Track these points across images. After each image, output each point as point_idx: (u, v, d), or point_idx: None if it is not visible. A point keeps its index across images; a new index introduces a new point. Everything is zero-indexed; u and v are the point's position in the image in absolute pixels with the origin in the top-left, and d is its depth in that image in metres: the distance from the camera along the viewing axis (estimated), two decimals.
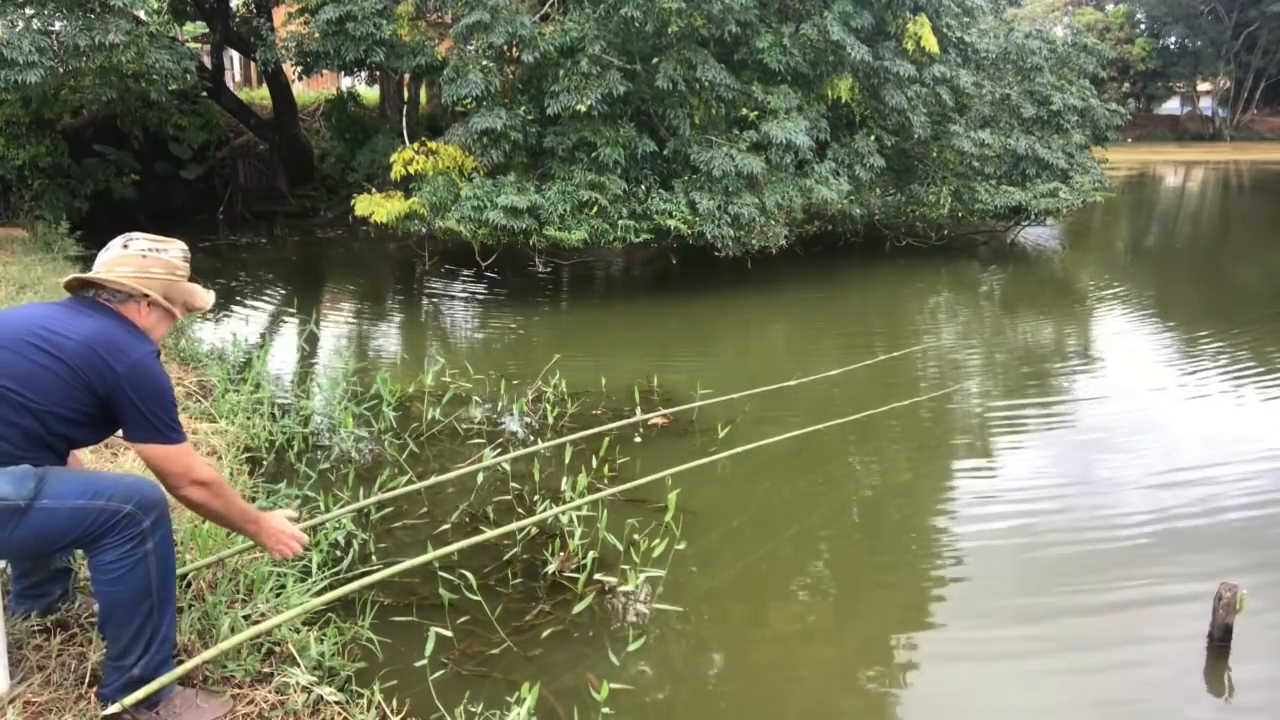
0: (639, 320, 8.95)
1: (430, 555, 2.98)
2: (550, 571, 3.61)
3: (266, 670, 2.67)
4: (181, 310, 2.52)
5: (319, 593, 3.06)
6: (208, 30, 15.07)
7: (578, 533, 3.72)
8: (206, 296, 2.59)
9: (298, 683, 2.59)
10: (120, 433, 2.39)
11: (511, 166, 9.37)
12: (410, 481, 4.35)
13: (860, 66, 9.90)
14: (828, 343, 8.08)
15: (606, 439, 4.75)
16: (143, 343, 2.36)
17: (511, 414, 5.61)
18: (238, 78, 24.04)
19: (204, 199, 15.72)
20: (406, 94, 15.24)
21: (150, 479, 2.39)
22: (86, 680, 2.45)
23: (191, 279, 2.57)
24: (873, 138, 10.60)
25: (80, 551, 2.55)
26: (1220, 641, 3.20)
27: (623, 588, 3.53)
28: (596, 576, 3.55)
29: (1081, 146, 13.19)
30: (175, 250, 2.52)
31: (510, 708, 2.62)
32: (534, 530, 3.89)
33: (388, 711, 2.64)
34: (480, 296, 9.89)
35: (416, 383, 5.82)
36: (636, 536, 3.77)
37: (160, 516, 2.30)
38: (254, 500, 4.01)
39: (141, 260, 2.42)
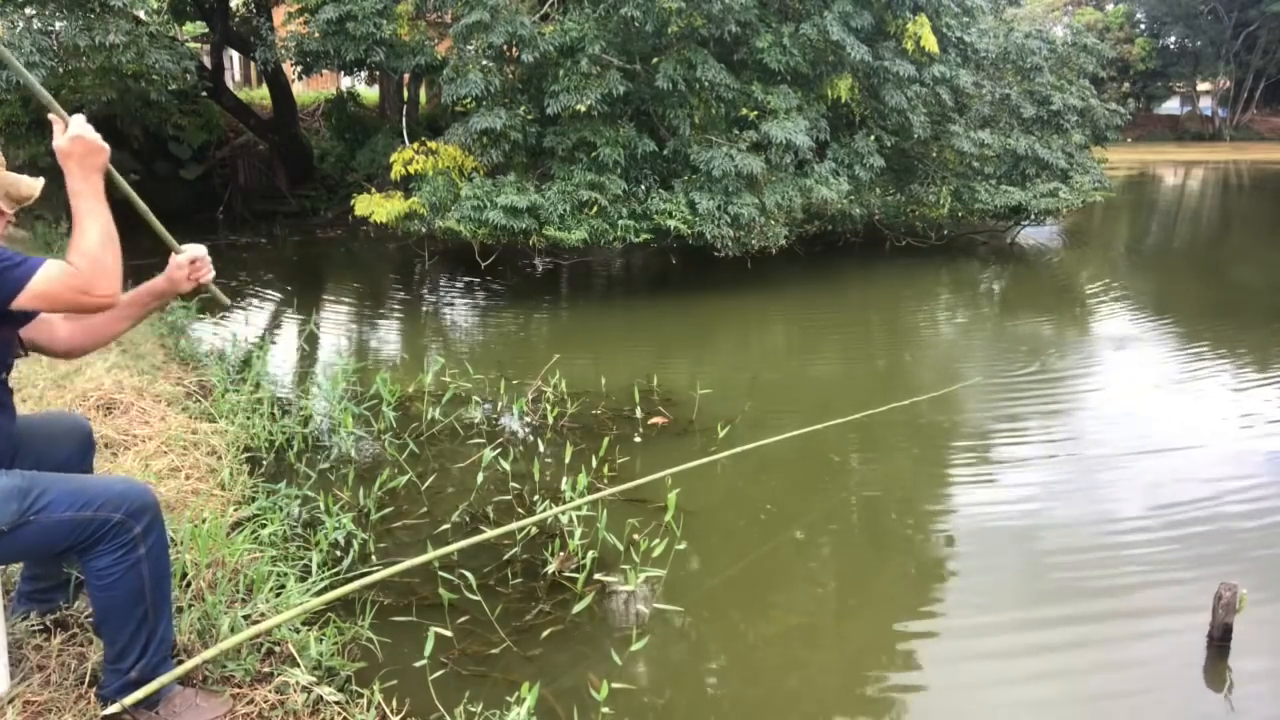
0: (639, 320, 8.95)
1: (430, 555, 2.98)
2: (550, 571, 3.61)
3: (266, 670, 2.67)
4: (7, 203, 2.24)
5: (319, 593, 3.06)
6: (208, 30, 15.07)
7: (578, 533, 3.72)
8: (33, 183, 2.29)
9: (297, 683, 2.59)
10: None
11: (511, 166, 9.37)
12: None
13: (860, 66, 9.89)
14: (828, 342, 8.09)
15: (606, 438, 4.76)
16: None
17: (511, 414, 5.61)
18: (238, 78, 24.05)
19: (204, 199, 15.72)
20: (406, 94, 15.25)
21: (142, 483, 2.37)
22: (86, 680, 2.45)
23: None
24: (873, 138, 10.60)
25: None
26: (1220, 641, 3.20)
27: (623, 588, 3.54)
28: (596, 576, 3.55)
29: (1081, 146, 13.18)
30: None
31: (510, 708, 2.62)
32: (534, 530, 3.89)
33: (388, 711, 2.64)
34: (480, 296, 9.89)
35: (416, 383, 5.82)
36: (636, 536, 3.77)
37: (152, 522, 2.26)
38: (253, 500, 4.02)
39: None
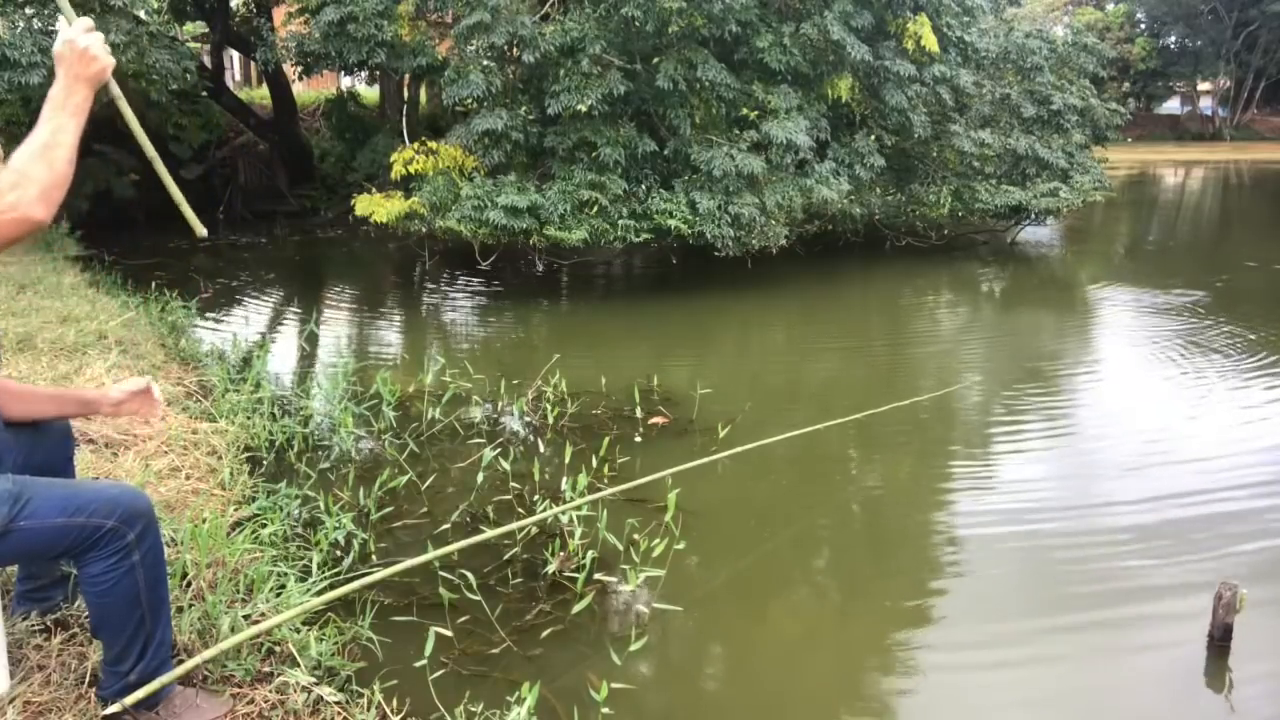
0: (639, 320, 8.95)
1: (430, 555, 2.98)
2: (550, 571, 3.61)
3: (266, 670, 2.67)
4: None
5: (319, 593, 3.06)
6: (208, 30, 15.09)
7: (578, 533, 3.72)
8: None
9: (298, 683, 2.59)
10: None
11: (512, 166, 9.37)
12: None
13: (860, 66, 9.89)
14: (828, 342, 8.09)
15: (606, 438, 4.76)
16: None
17: (511, 414, 5.61)
18: (238, 77, 24.06)
19: (204, 199, 15.69)
20: (407, 94, 15.24)
21: (135, 488, 2.35)
22: (86, 680, 2.45)
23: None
24: (873, 137, 10.60)
25: None
26: (1220, 641, 3.20)
27: (623, 587, 3.54)
28: (596, 576, 3.55)
29: (1081, 146, 13.18)
30: None
31: (510, 708, 2.62)
32: (534, 530, 3.89)
33: (388, 711, 2.64)
34: (480, 296, 9.89)
35: (416, 382, 5.82)
36: (636, 536, 3.77)
37: (147, 528, 2.23)
38: (254, 500, 4.02)
39: None
